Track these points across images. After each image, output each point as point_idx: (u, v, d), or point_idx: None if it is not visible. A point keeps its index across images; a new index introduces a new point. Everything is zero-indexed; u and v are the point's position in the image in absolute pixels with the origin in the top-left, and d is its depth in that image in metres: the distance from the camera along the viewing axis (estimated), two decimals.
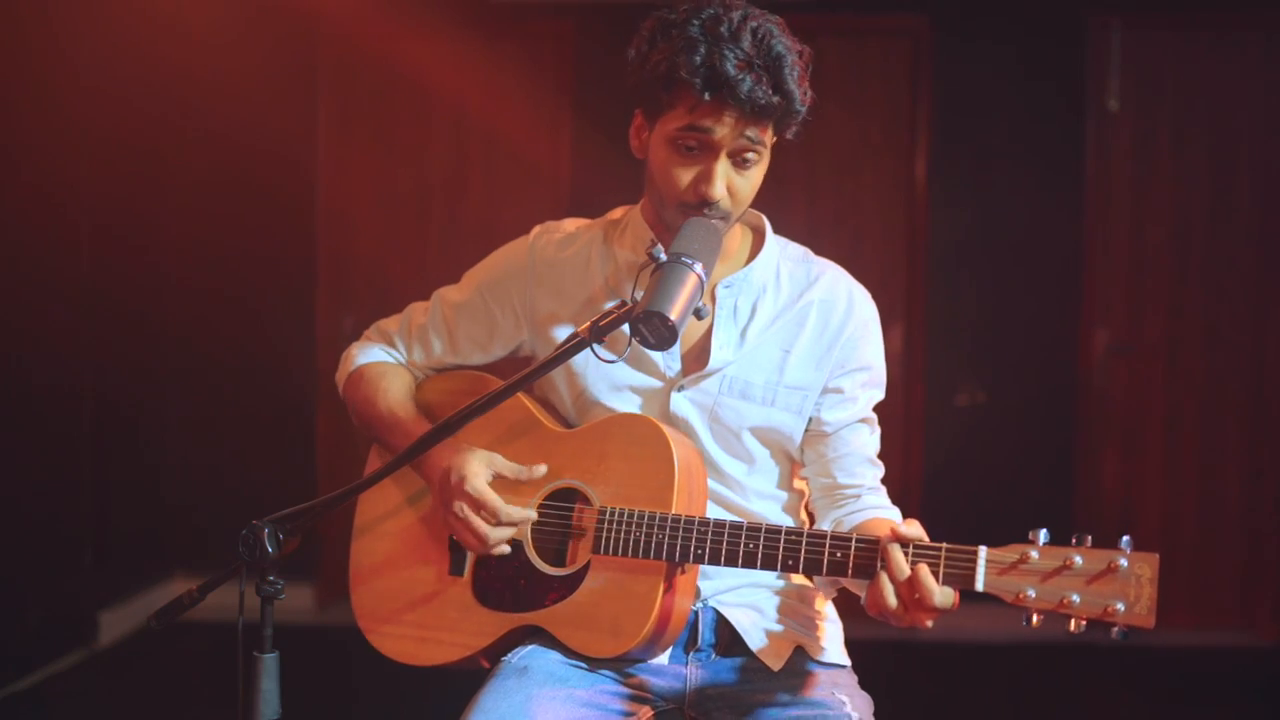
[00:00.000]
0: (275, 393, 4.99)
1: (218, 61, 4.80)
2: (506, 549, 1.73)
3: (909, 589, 1.48)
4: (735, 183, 1.68)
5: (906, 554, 1.48)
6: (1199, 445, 4.86)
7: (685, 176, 1.67)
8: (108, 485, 4.50)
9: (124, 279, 4.63)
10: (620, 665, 1.75)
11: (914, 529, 1.52)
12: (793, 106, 1.66)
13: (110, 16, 4.40)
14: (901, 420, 4.84)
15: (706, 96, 1.60)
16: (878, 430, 1.85)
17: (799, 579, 1.87)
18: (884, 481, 1.85)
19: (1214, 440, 4.86)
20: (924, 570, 1.46)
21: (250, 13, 4.76)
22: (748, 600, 1.82)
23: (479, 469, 1.72)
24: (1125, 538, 1.41)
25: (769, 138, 1.69)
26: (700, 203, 1.66)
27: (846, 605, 1.95)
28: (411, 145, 5.05)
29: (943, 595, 1.47)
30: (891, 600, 1.49)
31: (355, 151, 5.03)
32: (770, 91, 1.61)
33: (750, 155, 1.67)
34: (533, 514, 1.74)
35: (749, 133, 1.64)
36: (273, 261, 4.99)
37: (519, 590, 1.75)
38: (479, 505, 1.70)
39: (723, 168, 1.66)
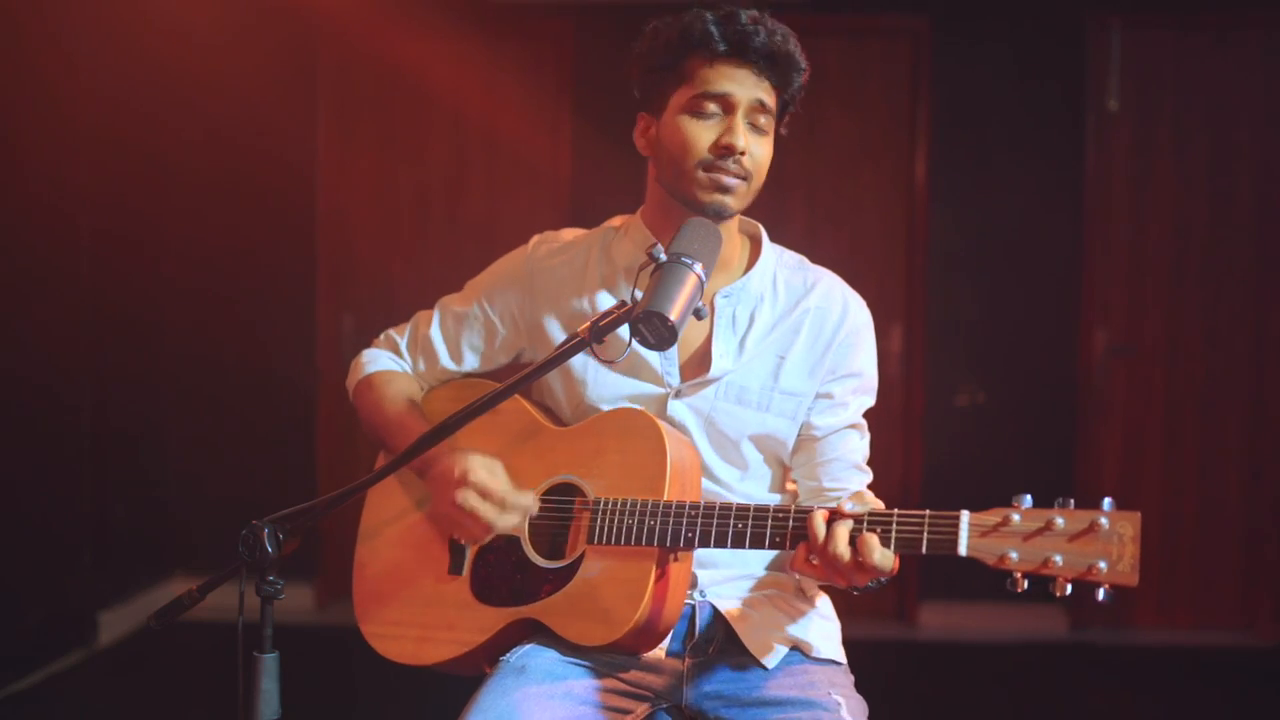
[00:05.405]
0: (275, 393, 4.99)
1: (218, 62, 4.80)
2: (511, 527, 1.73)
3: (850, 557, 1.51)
4: (753, 147, 1.71)
5: (862, 524, 1.52)
6: (1198, 445, 4.86)
7: (707, 136, 1.71)
8: (107, 485, 4.50)
9: (124, 279, 4.63)
10: (616, 656, 1.76)
11: (857, 504, 1.56)
12: (796, 67, 1.72)
13: (110, 16, 4.40)
14: (901, 420, 4.85)
15: (722, 48, 1.68)
16: (867, 436, 1.87)
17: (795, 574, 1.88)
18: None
19: (1213, 440, 4.86)
20: (869, 537, 1.51)
21: (250, 13, 4.77)
22: (743, 593, 1.83)
23: (482, 463, 1.74)
24: (1107, 499, 1.42)
25: (774, 108, 1.73)
26: (723, 155, 1.69)
27: (843, 605, 1.96)
28: (411, 145, 5.05)
29: (882, 555, 1.51)
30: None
31: (355, 151, 5.04)
32: (783, 41, 1.69)
33: (762, 120, 1.72)
34: (535, 502, 1.75)
35: (761, 94, 1.70)
36: (273, 262, 4.99)
37: (516, 585, 1.76)
38: (485, 494, 1.71)
39: (743, 124, 1.70)
